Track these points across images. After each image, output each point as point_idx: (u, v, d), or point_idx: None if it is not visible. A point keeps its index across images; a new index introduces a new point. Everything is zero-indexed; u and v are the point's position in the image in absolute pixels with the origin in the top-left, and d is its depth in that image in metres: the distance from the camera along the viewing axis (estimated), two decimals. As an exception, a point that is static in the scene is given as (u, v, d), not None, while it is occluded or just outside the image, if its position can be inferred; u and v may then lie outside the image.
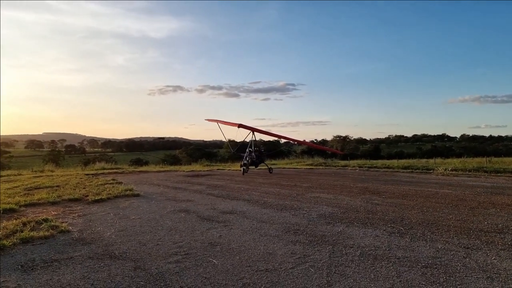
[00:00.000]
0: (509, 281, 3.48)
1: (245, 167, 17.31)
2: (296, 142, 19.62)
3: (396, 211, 7.10)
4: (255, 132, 18.89)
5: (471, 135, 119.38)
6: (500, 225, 5.72)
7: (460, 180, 13.21)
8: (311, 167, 22.97)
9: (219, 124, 19.60)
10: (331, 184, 12.32)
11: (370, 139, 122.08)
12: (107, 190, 10.17)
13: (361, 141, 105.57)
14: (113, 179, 13.45)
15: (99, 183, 12.11)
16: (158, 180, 14.25)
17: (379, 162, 29.57)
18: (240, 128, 18.26)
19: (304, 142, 19.69)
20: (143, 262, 4.25)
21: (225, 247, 4.84)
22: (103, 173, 17.22)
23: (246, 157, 17.61)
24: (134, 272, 3.91)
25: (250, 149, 17.94)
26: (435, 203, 7.94)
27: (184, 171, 19.61)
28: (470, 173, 16.34)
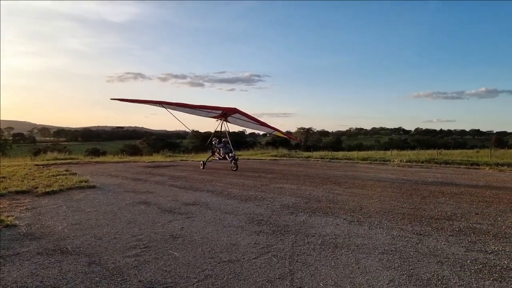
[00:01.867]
0: (457, 264, 3.70)
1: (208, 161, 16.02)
2: (276, 131, 18.14)
3: (356, 200, 7.35)
4: (227, 122, 16.47)
5: (424, 128, 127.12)
6: (449, 212, 6.11)
7: (414, 170, 13.99)
8: (275, 158, 23.22)
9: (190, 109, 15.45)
10: (295, 175, 12.51)
11: (332, 132, 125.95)
12: (60, 181, 9.56)
13: (323, 133, 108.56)
14: (67, 170, 12.67)
15: (51, 174, 11.35)
16: (116, 171, 13.66)
17: (340, 153, 30.61)
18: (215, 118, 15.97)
19: (280, 131, 18.37)
20: (99, 256, 4.02)
21: (187, 239, 4.72)
22: (55, 164, 16.20)
23: (219, 149, 15.43)
24: (88, 268, 3.69)
25: (226, 139, 15.84)
26: (391, 193, 8.32)
27: (144, 162, 18.98)
28: (423, 164, 17.38)
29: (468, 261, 3.77)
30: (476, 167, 15.66)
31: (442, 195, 7.94)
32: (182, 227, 5.29)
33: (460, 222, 5.39)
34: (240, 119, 16.44)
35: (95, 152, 46.65)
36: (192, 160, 20.34)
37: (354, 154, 27.43)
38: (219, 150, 15.41)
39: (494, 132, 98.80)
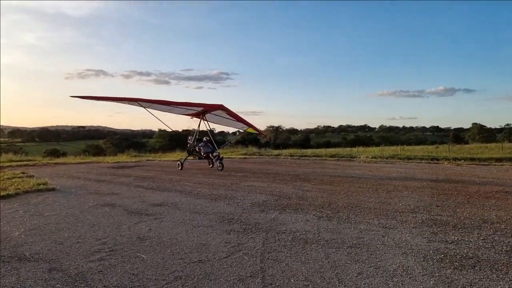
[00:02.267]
0: (420, 255, 3.85)
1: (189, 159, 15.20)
2: (251, 127, 16.77)
3: (325, 196, 7.48)
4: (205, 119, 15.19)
5: (388, 126, 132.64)
6: (412, 205, 6.37)
7: (379, 166, 14.52)
8: (245, 156, 23.20)
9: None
10: (265, 173, 12.55)
11: (301, 130, 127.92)
12: (16, 184, 8.94)
13: (292, 131, 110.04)
14: (23, 172, 11.89)
15: (6, 177, 10.59)
16: (78, 172, 13.01)
17: (309, 151, 31.14)
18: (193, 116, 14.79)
19: (254, 127, 17.10)
20: (60, 262, 3.79)
21: (155, 240, 4.56)
22: (10, 166, 15.15)
23: (200, 148, 14.41)
24: (48, 274, 3.46)
25: (207, 138, 14.77)
26: (358, 188, 8.56)
27: (108, 162, 18.24)
28: (387, 160, 18.08)
29: (431, 251, 3.94)
30: (436, 162, 16.54)
31: (406, 189, 8.28)
32: (149, 229, 5.12)
33: (422, 215, 5.64)
34: (220, 116, 15.29)
35: (55, 153, 44.31)
36: (159, 160, 19.84)
37: (323, 151, 28.03)
38: (200, 149, 14.39)
39: (452, 128, 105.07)
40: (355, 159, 18.86)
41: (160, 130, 56.69)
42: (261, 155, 24.22)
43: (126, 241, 4.55)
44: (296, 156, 22.70)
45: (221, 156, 14.11)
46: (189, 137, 15.17)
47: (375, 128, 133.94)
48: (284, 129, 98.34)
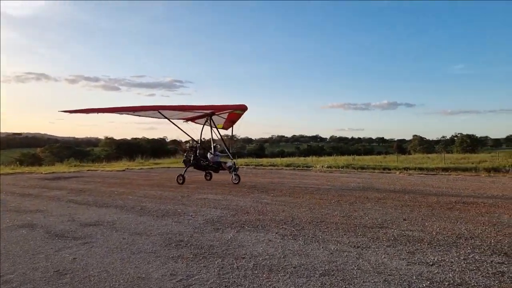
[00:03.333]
0: (404, 282, 3.30)
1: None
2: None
3: (286, 210, 6.84)
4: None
5: (338, 136, 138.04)
6: (379, 219, 5.94)
7: (335, 176, 14.34)
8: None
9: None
10: (220, 183, 11.68)
11: (256, 139, 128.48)
12: None
13: (247, 141, 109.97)
14: None
15: None
16: (2, 185, 11.12)
17: (265, 160, 30.80)
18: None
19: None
20: None
21: (79, 275, 3.54)
22: None
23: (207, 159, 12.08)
24: None
25: (217, 145, 12.75)
26: (319, 200, 8.06)
27: (42, 173, 16.14)
28: (342, 169, 18.11)
29: (414, 277, 3.40)
30: (388, 171, 16.86)
31: (368, 200, 7.93)
32: (74, 258, 4.05)
33: (392, 230, 5.18)
34: (222, 118, 13.18)
35: (-19, 163, 39.25)
36: (102, 170, 18.05)
37: (278, 160, 27.80)
38: (206, 160, 11.87)
39: (395, 139, 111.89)
40: (311, 168, 18.68)
41: (106, 138, 53.00)
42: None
43: (39, 277, 3.49)
44: (251, 165, 22.08)
45: (237, 166, 11.89)
46: (187, 144, 12.65)
47: (327, 138, 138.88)
48: (239, 138, 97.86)
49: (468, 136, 68.56)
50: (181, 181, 11.37)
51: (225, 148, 12.36)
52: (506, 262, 3.68)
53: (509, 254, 3.93)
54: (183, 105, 11.02)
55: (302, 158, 34.28)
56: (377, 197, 8.44)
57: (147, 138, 70.48)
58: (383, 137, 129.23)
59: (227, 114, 12.59)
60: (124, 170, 18.58)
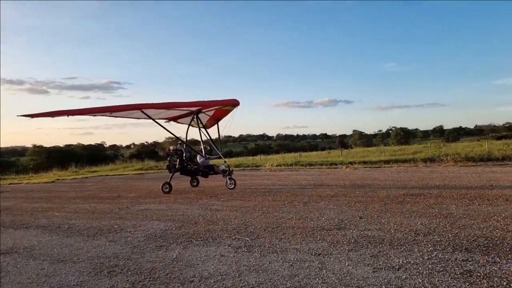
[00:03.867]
0: (374, 293, 2.95)
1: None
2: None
3: (238, 216, 6.30)
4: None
5: (284, 134, 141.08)
6: (336, 219, 5.67)
7: (285, 174, 14.17)
8: (140, 172, 20.64)
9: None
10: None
11: (202, 140, 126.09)
12: None
13: (194, 142, 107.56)
14: None
15: None
16: None
17: (213, 161, 29.84)
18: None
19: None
20: None
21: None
22: None
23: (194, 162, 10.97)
24: None
25: (206, 146, 11.50)
26: (272, 201, 7.66)
27: (-51, 190, 13.70)
28: (291, 167, 18.11)
29: (383, 287, 3.07)
30: (335, 166, 17.20)
31: (321, 199, 7.71)
32: (-33, 307, 3.09)
33: (351, 231, 4.91)
34: (207, 115, 12.06)
35: None
36: (27, 183, 15.93)
37: (226, 160, 27.17)
38: (194, 164, 10.71)
39: (337, 135, 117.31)
40: (260, 168, 18.40)
41: (34, 146, 47.80)
42: (159, 169, 21.93)
43: None
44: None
45: (231, 169, 10.79)
46: (170, 148, 11.15)
47: (273, 136, 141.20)
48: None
49: (402, 129, 74.35)
50: (167, 189, 10.02)
51: (216, 150, 11.23)
52: (470, 259, 3.53)
53: (470, 249, 3.82)
54: (167, 103, 9.64)
55: (250, 158, 34.01)
56: (330, 194, 8.29)
57: (83, 145, 65.25)
58: (326, 133, 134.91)
59: (213, 111, 11.54)
60: (53, 182, 16.62)
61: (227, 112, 11.92)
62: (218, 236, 5.04)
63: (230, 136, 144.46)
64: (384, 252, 3.93)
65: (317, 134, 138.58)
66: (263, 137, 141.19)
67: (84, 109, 9.12)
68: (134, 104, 9.06)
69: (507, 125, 74.92)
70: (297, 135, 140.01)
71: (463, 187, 8.31)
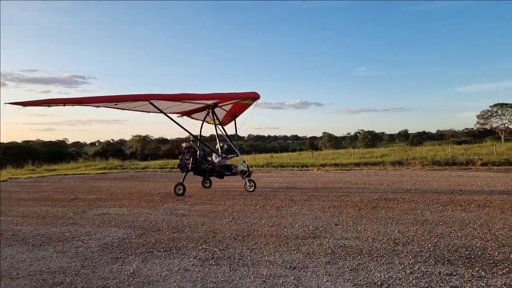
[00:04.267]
0: (357, 316, 2.62)
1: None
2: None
3: (206, 222, 5.83)
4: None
5: (255, 135, 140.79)
6: (310, 226, 5.36)
7: (257, 176, 13.79)
8: (103, 171, 19.50)
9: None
10: (127, 192, 10.08)
11: (172, 139, 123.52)
12: None
13: (163, 141, 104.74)
14: None
15: None
16: None
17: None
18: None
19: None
20: None
21: None
22: None
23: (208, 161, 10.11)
24: None
25: (223, 144, 10.65)
26: (243, 206, 7.25)
27: None
28: (262, 168, 17.79)
29: (367, 307, 2.76)
30: (306, 168, 17.08)
31: (294, 203, 7.40)
32: None
33: (327, 239, 4.60)
34: (224, 110, 11.07)
35: None
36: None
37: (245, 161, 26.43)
38: (209, 163, 9.80)
39: (308, 137, 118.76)
40: (231, 169, 17.95)
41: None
42: (124, 168, 20.88)
43: None
44: (167, 168, 20.37)
45: (251, 170, 9.84)
46: (183, 145, 9.83)
47: (245, 137, 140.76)
48: (153, 138, 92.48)
49: (369, 132, 76.67)
50: (181, 191, 9.08)
51: (234, 148, 10.16)
52: (454, 273, 3.30)
53: (453, 262, 3.61)
54: (180, 94, 8.49)
55: (221, 158, 33.41)
56: (303, 198, 8.01)
57: (43, 141, 61.49)
58: (297, 135, 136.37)
59: (230, 105, 10.47)
60: (5, 181, 15.22)
61: (245, 107, 10.83)
62: (183, 246, 4.55)
63: (201, 136, 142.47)
64: (364, 265, 3.64)
65: (288, 136, 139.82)
66: (234, 137, 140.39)
67: (84, 97, 7.74)
68: (143, 95, 7.86)
69: (466, 131, 79.29)
70: (269, 136, 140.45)
71: (434, 192, 8.33)
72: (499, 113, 60.86)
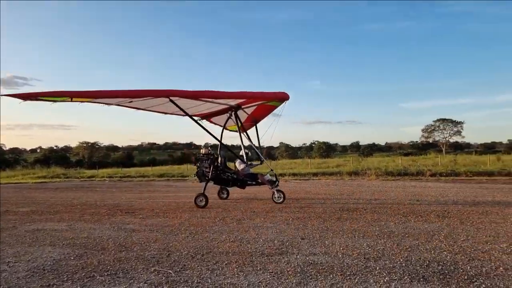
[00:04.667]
0: None
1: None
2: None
3: (160, 238, 5.21)
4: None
5: (212, 143, 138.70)
6: (276, 241, 4.97)
7: (216, 186, 13.21)
8: (44, 180, 17.65)
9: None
10: (69, 204, 9.02)
11: (123, 146, 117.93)
12: None
13: (113, 148, 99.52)
14: None
15: None
16: None
17: (133, 170, 27.56)
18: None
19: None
20: None
21: None
22: None
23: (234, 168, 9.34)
24: None
25: (247, 152, 9.43)
26: (201, 218, 6.70)
27: None
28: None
29: (348, 338, 2.40)
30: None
31: (256, 215, 7.00)
32: None
33: (295, 256, 4.24)
34: (246, 113, 9.86)
35: None
36: None
37: (149, 170, 25.09)
38: (231, 172, 8.95)
39: (265, 147, 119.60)
40: (187, 178, 17.11)
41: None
42: (68, 177, 19.14)
43: None
44: (116, 177, 19.01)
45: (278, 179, 9.03)
46: (201, 151, 8.92)
47: (200, 145, 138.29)
48: (102, 145, 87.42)
49: (324, 143, 79.20)
50: (203, 203, 8.16)
51: (260, 155, 9.31)
52: (433, 292, 3.09)
53: (428, 278, 3.41)
54: (200, 91, 7.23)
55: (176, 167, 32.20)
56: (265, 209, 7.65)
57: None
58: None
59: (254, 107, 9.29)
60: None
61: (270, 110, 9.80)
62: (131, 268, 3.92)
63: (155, 143, 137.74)
64: (338, 285, 3.31)
65: (246, 145, 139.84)
66: (191, 145, 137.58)
67: (98, 91, 6.29)
68: (161, 90, 6.79)
69: (411, 143, 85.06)
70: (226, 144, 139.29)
71: (393, 202, 8.40)
72: (441, 128, 66.07)
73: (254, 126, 10.03)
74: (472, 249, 4.26)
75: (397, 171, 16.40)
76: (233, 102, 8.42)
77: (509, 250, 4.19)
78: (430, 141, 70.44)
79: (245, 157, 9.04)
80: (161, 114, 8.88)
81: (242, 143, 9.19)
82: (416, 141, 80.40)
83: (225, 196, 9.72)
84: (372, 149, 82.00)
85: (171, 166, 35.83)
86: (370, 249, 4.45)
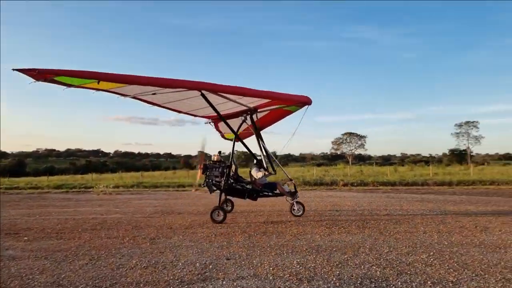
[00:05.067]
0: None
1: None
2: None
3: (49, 268, 4.10)
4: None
5: (123, 151, 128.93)
6: (197, 263, 4.31)
7: (125, 199, 11.84)
8: None
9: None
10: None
11: (13, 152, 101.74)
12: None
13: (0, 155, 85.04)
14: None
15: None
16: None
17: (24, 180, 23.70)
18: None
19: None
20: None
21: None
22: None
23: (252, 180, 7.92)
24: None
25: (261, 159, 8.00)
26: (106, 239, 5.65)
27: None
28: (131, 189, 15.62)
29: None
30: (183, 189, 15.84)
31: (173, 232, 6.20)
32: None
33: (221, 282, 3.66)
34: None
35: None
36: None
37: (44, 180, 21.72)
38: (246, 182, 7.74)
39: (182, 155, 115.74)
40: (91, 190, 15.09)
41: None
42: None
43: None
44: (1, 189, 15.84)
45: (298, 189, 8.06)
46: (214, 158, 7.67)
47: (110, 153, 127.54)
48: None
49: (242, 152, 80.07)
50: (221, 217, 7.05)
51: (278, 164, 8.45)
52: (375, 316, 2.85)
53: (365, 298, 3.19)
54: (233, 87, 6.14)
55: (79, 177, 28.61)
56: (183, 225, 6.90)
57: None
58: (170, 153, 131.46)
59: (268, 112, 8.14)
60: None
61: (282, 116, 8.75)
62: (0, 317, 2.88)
63: (54, 150, 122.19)
64: (274, 317, 2.86)
65: (161, 153, 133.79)
66: (98, 153, 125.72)
67: (127, 75, 5.03)
68: (194, 82, 5.75)
69: (322, 155, 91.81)
70: (139, 152, 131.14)
71: (314, 213, 8.46)
72: (348, 141, 72.69)
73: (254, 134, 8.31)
74: (398, 262, 4.26)
75: (314, 181, 17.10)
76: (252, 103, 7.54)
77: (430, 261, 4.29)
78: (339, 153, 76.99)
79: (264, 164, 7.98)
80: (176, 112, 7.96)
81: (261, 149, 8.13)
82: (326, 153, 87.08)
83: (229, 208, 8.57)
84: (288, 159, 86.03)
85: (72, 176, 31.79)
86: (301, 267, 4.13)
